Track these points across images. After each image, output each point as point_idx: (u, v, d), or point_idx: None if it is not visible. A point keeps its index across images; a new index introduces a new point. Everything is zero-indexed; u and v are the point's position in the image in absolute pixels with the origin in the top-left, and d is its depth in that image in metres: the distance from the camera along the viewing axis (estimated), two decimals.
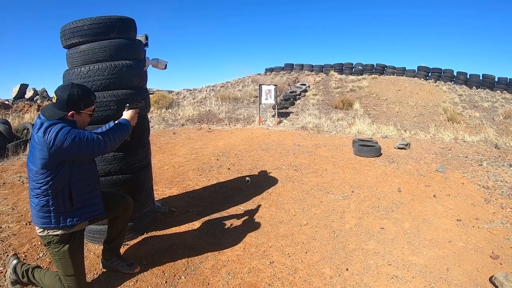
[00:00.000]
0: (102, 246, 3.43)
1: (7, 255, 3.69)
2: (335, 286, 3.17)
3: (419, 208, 4.96)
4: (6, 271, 3.22)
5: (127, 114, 3.15)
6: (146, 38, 4.25)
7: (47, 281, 2.93)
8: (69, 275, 2.81)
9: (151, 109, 13.10)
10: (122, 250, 3.66)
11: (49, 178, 2.56)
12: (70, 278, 2.80)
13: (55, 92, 2.67)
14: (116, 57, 3.54)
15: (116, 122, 3.10)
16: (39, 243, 3.94)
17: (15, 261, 3.10)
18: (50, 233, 2.70)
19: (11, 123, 10.20)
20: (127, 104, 3.19)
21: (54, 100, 2.65)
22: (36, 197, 2.62)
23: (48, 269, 3.31)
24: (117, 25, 3.54)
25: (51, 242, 2.72)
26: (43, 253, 3.71)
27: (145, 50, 4.19)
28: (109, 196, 3.20)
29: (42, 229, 2.71)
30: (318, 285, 3.18)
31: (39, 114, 2.69)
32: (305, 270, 3.42)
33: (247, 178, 6.19)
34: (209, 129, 12.55)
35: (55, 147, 2.46)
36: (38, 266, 3.11)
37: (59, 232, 2.70)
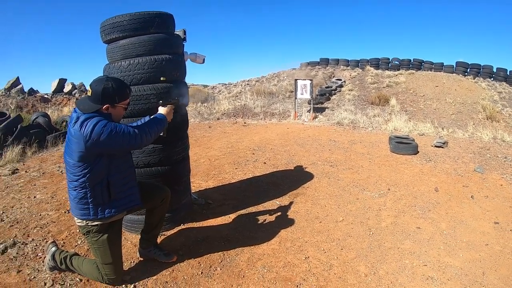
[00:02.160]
0: (139, 236, 3.49)
1: (46, 241, 3.81)
2: (370, 285, 3.15)
3: (456, 209, 4.87)
4: (45, 257, 3.31)
5: (163, 110, 3.15)
6: (184, 32, 4.30)
7: (85, 269, 3.02)
8: (107, 263, 2.90)
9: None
10: (159, 240, 3.73)
11: (86, 171, 2.64)
12: (107, 266, 2.91)
13: (90, 85, 2.72)
14: (155, 52, 3.60)
15: (152, 116, 3.12)
16: (77, 231, 4.04)
17: (53, 248, 3.19)
18: (89, 224, 2.78)
19: (50, 115, 10.52)
20: (160, 101, 3.20)
21: (89, 93, 2.70)
22: (74, 190, 2.71)
23: (86, 256, 3.39)
24: (156, 20, 3.60)
25: (90, 232, 2.81)
26: (81, 241, 3.82)
27: (183, 44, 4.24)
28: (147, 186, 3.27)
29: (81, 220, 2.79)
30: (353, 283, 3.17)
31: (74, 108, 2.77)
32: (340, 266, 3.41)
33: None
34: (245, 123, 12.60)
35: (91, 141, 2.51)
36: (76, 254, 3.20)
37: (97, 222, 2.78)
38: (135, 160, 3.57)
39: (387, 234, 4.11)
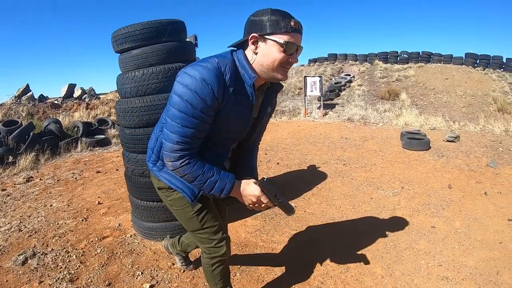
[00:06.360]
0: (158, 242, 3.53)
1: (66, 251, 3.86)
2: (386, 286, 3.18)
3: (469, 206, 4.87)
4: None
5: (250, 189, 1.98)
6: (196, 38, 4.35)
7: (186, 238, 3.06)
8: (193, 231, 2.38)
9: None
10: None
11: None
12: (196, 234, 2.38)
13: None
14: (169, 60, 3.62)
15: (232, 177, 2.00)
16: (96, 239, 4.11)
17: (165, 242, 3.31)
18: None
19: (61, 121, 10.71)
20: (264, 178, 1.94)
21: None
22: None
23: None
24: (168, 28, 3.61)
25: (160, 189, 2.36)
26: (101, 249, 3.87)
27: (195, 50, 4.27)
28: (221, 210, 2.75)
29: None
30: (370, 285, 3.20)
31: None
32: (356, 268, 3.44)
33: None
34: None
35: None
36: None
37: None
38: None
39: (402, 234, 4.13)
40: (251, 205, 2.02)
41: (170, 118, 1.80)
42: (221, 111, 1.84)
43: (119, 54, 3.90)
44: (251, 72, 1.84)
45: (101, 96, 19.90)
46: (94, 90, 20.05)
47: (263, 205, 2.00)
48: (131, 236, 4.15)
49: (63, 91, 18.84)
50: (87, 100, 18.27)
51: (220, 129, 1.93)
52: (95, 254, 3.80)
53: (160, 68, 3.53)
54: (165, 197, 2.29)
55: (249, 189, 1.97)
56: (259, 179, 1.97)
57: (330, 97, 16.50)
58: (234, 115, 1.90)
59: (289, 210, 1.96)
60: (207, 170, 1.90)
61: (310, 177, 6.20)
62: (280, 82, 2.04)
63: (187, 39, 4.14)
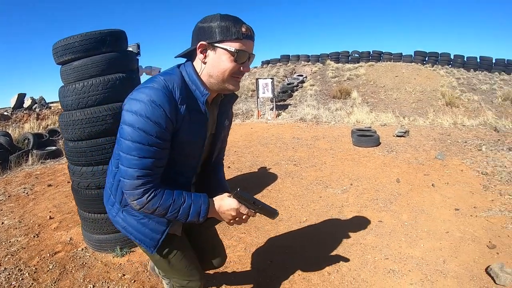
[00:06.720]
0: (109, 255, 3.48)
1: (19, 269, 3.77)
2: (333, 283, 3.24)
3: (417, 199, 5.02)
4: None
5: (226, 204, 1.78)
6: (138, 47, 4.31)
7: None
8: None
9: None
10: (126, 258, 3.78)
11: None
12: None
13: None
14: (109, 71, 3.56)
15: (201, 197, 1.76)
16: (48, 255, 4.02)
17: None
18: None
19: (11, 134, 10.35)
20: (238, 189, 1.78)
21: None
22: None
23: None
24: (108, 38, 3.56)
25: None
26: (53, 265, 3.78)
27: (138, 59, 4.24)
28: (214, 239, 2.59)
29: None
30: (317, 282, 3.25)
31: None
32: (304, 267, 3.49)
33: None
34: None
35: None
36: None
37: None
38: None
39: (349, 231, 4.21)
40: (232, 221, 1.83)
41: (125, 151, 1.58)
42: (177, 133, 1.64)
43: (60, 66, 3.82)
44: (202, 88, 1.68)
45: (52, 105, 19.29)
46: (44, 99, 19.41)
47: (244, 217, 1.82)
48: (82, 249, 4.08)
49: (12, 102, 18.23)
50: (37, 110, 17.75)
51: (179, 152, 1.73)
52: (48, 270, 3.72)
53: (100, 79, 3.48)
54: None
55: (226, 204, 1.78)
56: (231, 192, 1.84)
57: (283, 98, 16.83)
58: (190, 135, 1.70)
59: (273, 213, 1.87)
60: (177, 197, 1.68)
61: (261, 179, 6.25)
62: (234, 92, 1.87)
63: (129, 48, 4.10)
